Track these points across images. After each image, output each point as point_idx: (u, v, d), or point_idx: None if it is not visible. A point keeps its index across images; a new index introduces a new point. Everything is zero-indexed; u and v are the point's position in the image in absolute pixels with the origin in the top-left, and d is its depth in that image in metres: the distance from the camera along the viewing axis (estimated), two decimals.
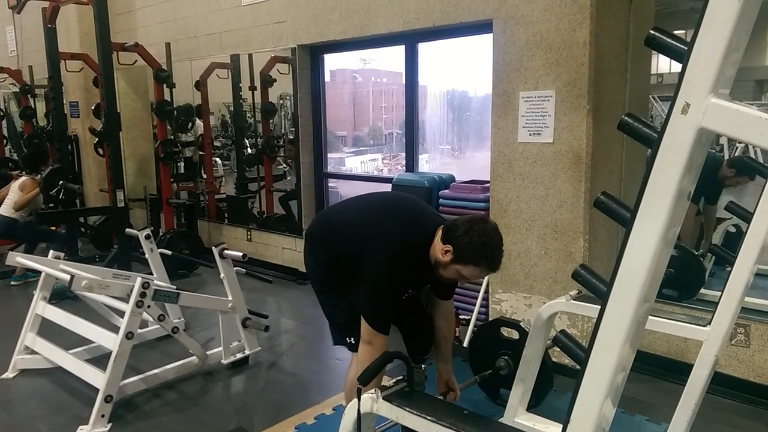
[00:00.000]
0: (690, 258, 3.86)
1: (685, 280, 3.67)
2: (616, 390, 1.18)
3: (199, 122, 6.85)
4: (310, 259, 2.49)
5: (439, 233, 2.15)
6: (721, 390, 3.05)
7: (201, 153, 6.97)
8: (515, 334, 2.75)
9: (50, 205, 6.35)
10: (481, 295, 3.77)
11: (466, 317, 3.86)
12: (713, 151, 4.81)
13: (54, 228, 6.59)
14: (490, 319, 3.75)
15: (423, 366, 2.60)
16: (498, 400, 2.88)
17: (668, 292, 3.61)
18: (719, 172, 4.13)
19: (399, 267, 2.16)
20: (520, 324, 2.69)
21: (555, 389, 3.21)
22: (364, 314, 2.19)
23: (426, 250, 2.19)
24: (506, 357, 2.70)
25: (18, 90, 7.92)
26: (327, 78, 5.52)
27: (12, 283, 5.48)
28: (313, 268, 2.49)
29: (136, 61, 6.05)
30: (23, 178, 5.65)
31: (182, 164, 6.72)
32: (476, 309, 3.79)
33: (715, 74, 0.97)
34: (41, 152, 6.21)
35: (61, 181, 5.73)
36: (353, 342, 2.30)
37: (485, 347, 2.77)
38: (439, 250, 2.12)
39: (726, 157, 5.25)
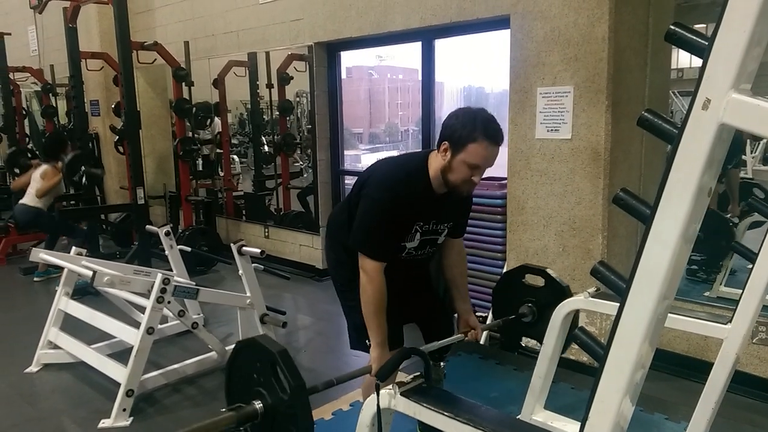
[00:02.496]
0: (718, 220, 3.76)
1: (712, 242, 3.60)
2: (635, 388, 1.17)
3: (216, 120, 6.90)
4: (331, 256, 2.46)
5: (434, 152, 2.11)
6: (742, 389, 3.01)
7: (219, 150, 7.03)
8: (540, 282, 2.63)
9: (72, 201, 6.47)
10: None
11: (483, 314, 3.85)
12: None
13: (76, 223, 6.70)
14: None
15: (442, 364, 2.59)
16: (519, 350, 2.76)
17: (694, 256, 3.54)
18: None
19: (392, 190, 2.08)
20: (547, 270, 2.59)
21: (573, 386, 3.20)
22: (354, 239, 2.14)
23: (423, 174, 2.11)
24: (530, 304, 2.56)
25: (40, 89, 8.06)
26: (343, 75, 5.53)
27: (35, 279, 5.58)
28: (334, 266, 2.46)
29: (155, 59, 6.12)
30: (44, 166, 5.68)
31: (200, 162, 6.79)
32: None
33: (736, 69, 0.96)
34: (60, 139, 6.22)
35: (83, 167, 5.74)
36: (370, 344, 2.26)
37: (509, 294, 2.62)
38: (440, 157, 2.06)
39: (749, 152, 5.17)
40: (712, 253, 3.62)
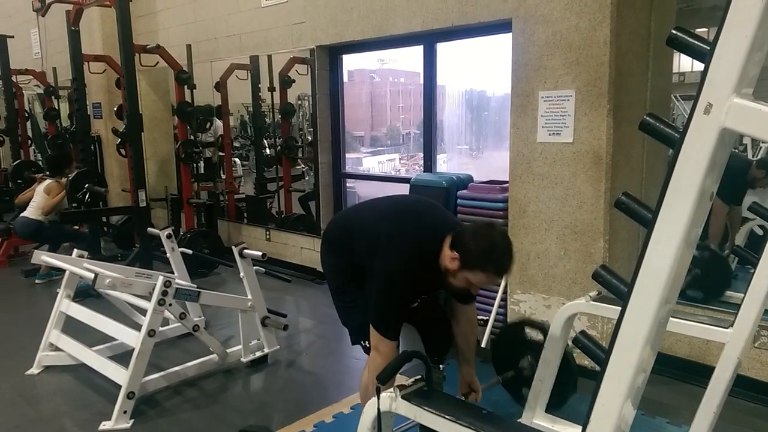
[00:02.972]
0: (716, 259, 3.81)
1: (710, 281, 3.63)
2: (637, 392, 1.17)
3: (218, 123, 6.91)
4: (327, 261, 2.51)
5: (449, 240, 2.12)
6: (744, 393, 3.00)
7: (220, 153, 7.05)
8: (539, 335, 2.73)
9: (74, 204, 6.47)
10: (499, 295, 3.75)
11: (485, 317, 3.85)
12: (737, 150, 4.74)
13: (78, 227, 6.71)
14: (508, 319, 3.73)
15: (441, 366, 2.60)
16: (521, 400, 2.85)
17: (693, 293, 3.57)
18: (749, 174, 4.08)
19: (408, 273, 2.14)
20: (545, 325, 2.66)
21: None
22: (371, 320, 2.19)
23: (437, 254, 2.15)
24: (529, 357, 2.66)
25: (42, 91, 8.08)
26: (345, 78, 5.54)
27: (36, 281, 5.58)
28: (329, 270, 2.51)
29: (157, 62, 6.13)
30: (48, 181, 5.70)
31: (201, 165, 6.80)
32: (494, 310, 3.77)
33: (738, 74, 0.96)
34: (65, 155, 6.28)
35: (87, 185, 5.78)
36: (368, 345, 2.30)
37: (508, 347, 2.74)
38: (447, 258, 2.09)
39: (750, 157, 5.17)
40: (709, 291, 3.65)
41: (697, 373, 3.12)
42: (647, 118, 1.11)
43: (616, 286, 1.20)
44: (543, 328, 2.63)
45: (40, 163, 7.62)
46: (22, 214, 5.64)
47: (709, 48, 0.99)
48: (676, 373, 3.25)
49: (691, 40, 1.04)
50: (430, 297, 2.56)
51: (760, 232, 4.12)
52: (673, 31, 1.06)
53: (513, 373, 2.63)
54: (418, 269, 2.14)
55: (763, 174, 4.06)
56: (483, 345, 3.76)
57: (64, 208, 5.86)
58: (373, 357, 2.17)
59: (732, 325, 1.92)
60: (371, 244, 2.23)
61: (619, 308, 1.16)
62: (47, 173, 5.90)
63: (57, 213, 5.73)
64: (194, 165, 6.31)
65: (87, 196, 5.76)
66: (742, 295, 1.89)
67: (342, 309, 2.46)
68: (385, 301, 2.17)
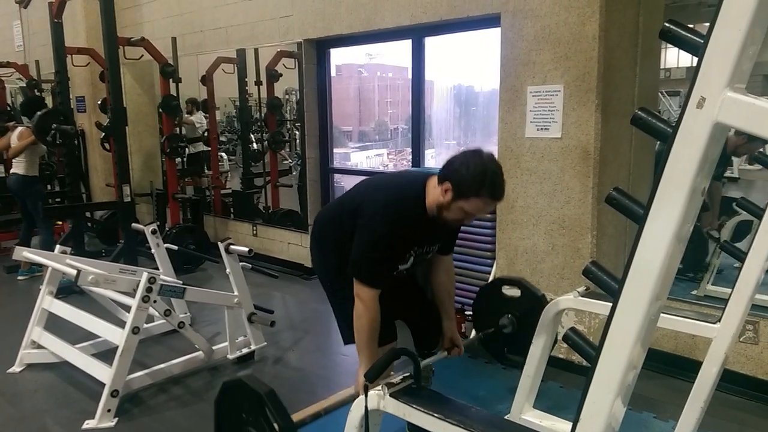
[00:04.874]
0: (694, 232, 3.85)
1: (688, 254, 3.66)
2: (627, 389, 1.16)
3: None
4: (318, 257, 2.47)
5: (433, 180, 2.12)
6: (730, 387, 3.02)
7: (205, 149, 6.99)
8: (517, 292, 2.64)
9: (57, 199, 6.37)
10: None
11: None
12: None
13: (60, 222, 6.62)
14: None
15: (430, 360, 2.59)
16: (504, 361, 2.77)
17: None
18: (727, 144, 4.08)
19: (393, 222, 2.10)
20: (521, 280, 2.61)
21: (561, 386, 3.20)
22: (353, 268, 2.15)
23: (420, 203, 2.13)
24: (509, 315, 2.58)
25: (25, 85, 7.95)
26: (333, 73, 5.50)
27: (19, 277, 5.51)
28: (322, 267, 2.47)
29: (142, 55, 6.05)
30: (20, 128, 5.61)
31: (184, 160, 6.71)
32: None
33: (731, 68, 0.95)
34: (37, 100, 6.12)
35: (54, 125, 5.46)
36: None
37: (489, 307, 2.65)
38: (439, 192, 2.06)
39: None
40: (687, 266, 3.69)
41: (684, 367, 3.14)
42: (639, 112, 1.09)
43: (606, 283, 1.19)
44: (520, 284, 2.58)
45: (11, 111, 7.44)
46: (12, 171, 5.60)
47: (702, 41, 0.98)
48: (663, 368, 3.27)
49: (684, 33, 1.03)
50: (421, 290, 2.55)
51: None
52: (666, 24, 1.04)
53: (493, 330, 2.56)
54: (403, 219, 2.11)
55: (743, 140, 4.03)
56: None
57: (43, 153, 5.83)
58: (356, 304, 2.13)
59: (719, 321, 1.93)
60: (353, 212, 2.20)
61: (608, 304, 1.15)
62: (22, 120, 5.78)
63: (40, 162, 5.69)
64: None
65: (57, 137, 5.52)
66: (729, 290, 1.91)
67: (337, 305, 2.41)
68: (370, 251, 2.12)
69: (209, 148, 6.90)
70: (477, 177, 1.98)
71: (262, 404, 1.61)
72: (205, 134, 6.94)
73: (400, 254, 2.20)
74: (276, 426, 1.56)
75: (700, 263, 4.00)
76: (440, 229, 2.24)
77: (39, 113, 5.49)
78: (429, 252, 2.34)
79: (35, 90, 7.70)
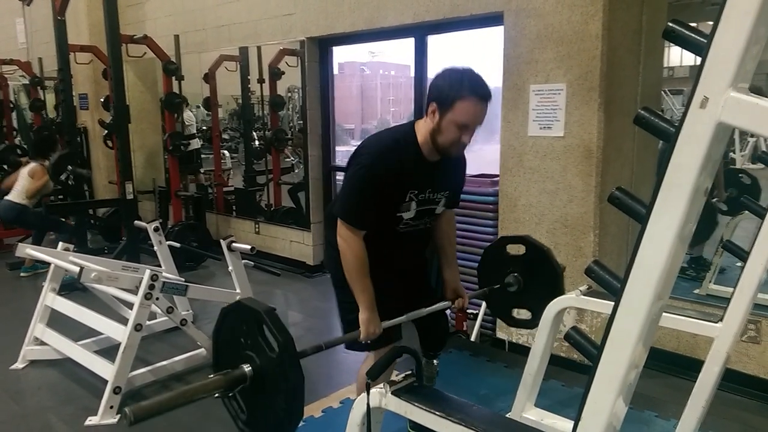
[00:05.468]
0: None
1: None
2: (629, 388, 1.16)
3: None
4: (330, 251, 2.34)
5: (422, 119, 2.10)
6: (732, 386, 3.02)
7: (198, 146, 7.00)
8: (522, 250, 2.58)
9: (59, 196, 6.38)
10: None
11: (474, 312, 3.85)
12: None
13: (63, 219, 6.63)
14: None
15: (435, 361, 2.58)
16: (510, 320, 2.68)
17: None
18: None
19: (379, 155, 2.05)
20: (526, 237, 2.55)
21: (563, 384, 3.21)
22: (337, 206, 2.12)
23: (411, 139, 2.08)
24: (515, 273, 2.50)
25: (28, 82, 7.96)
26: (335, 71, 5.50)
27: (21, 274, 5.52)
28: (333, 263, 2.31)
29: (145, 53, 6.05)
30: (32, 165, 5.62)
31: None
32: (484, 304, 3.77)
33: (735, 67, 0.95)
34: (49, 138, 6.15)
35: (69, 167, 5.66)
36: (368, 342, 2.19)
37: (493, 267, 2.57)
38: (428, 121, 2.03)
39: (738, 152, 5.21)
40: (695, 239, 3.64)
41: (686, 366, 3.14)
42: (642, 111, 1.09)
43: (608, 282, 1.19)
44: (524, 241, 2.53)
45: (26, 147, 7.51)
46: (6, 197, 5.56)
47: (705, 41, 0.97)
48: (665, 367, 3.27)
49: (687, 32, 1.02)
50: (428, 286, 2.49)
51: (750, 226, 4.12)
52: (670, 24, 1.04)
53: (499, 286, 2.51)
54: (392, 153, 2.06)
55: None
56: (472, 339, 3.77)
57: (50, 191, 5.79)
58: (339, 244, 2.10)
59: (721, 320, 1.93)
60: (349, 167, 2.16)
61: (610, 302, 1.15)
62: (32, 157, 5.81)
63: (41, 199, 5.66)
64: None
65: (70, 178, 5.63)
66: (732, 289, 1.91)
67: (341, 306, 2.34)
68: (354, 186, 2.07)
69: (199, 146, 6.90)
70: (455, 80, 1.96)
71: (260, 324, 1.56)
72: (199, 132, 6.96)
73: (396, 195, 2.10)
74: (274, 343, 1.51)
75: (708, 234, 3.96)
76: (442, 175, 2.17)
77: (57, 155, 5.60)
78: (433, 201, 2.21)
79: (38, 87, 7.72)
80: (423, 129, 2.08)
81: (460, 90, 1.94)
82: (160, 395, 1.49)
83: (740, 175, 4.18)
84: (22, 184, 5.52)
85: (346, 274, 2.13)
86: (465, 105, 1.95)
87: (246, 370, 1.57)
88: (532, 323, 2.55)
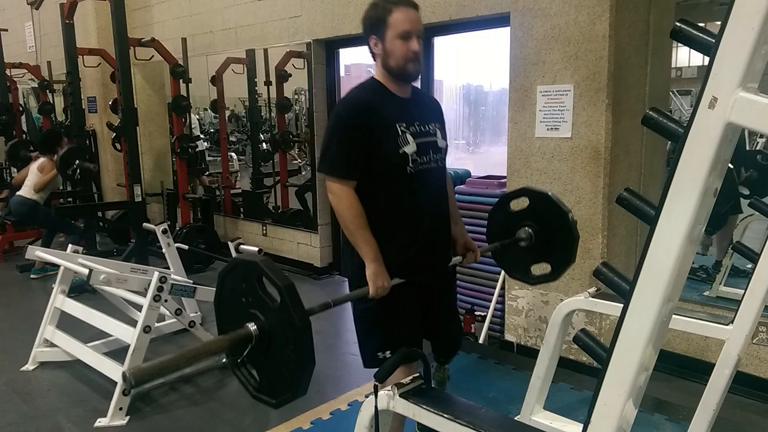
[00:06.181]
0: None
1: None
2: (638, 391, 1.15)
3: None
4: (347, 253, 2.21)
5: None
6: (743, 390, 2.99)
7: (209, 147, 7.03)
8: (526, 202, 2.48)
9: (69, 198, 6.42)
10: (497, 291, 3.75)
11: (482, 314, 3.84)
12: None
13: (73, 221, 6.68)
14: (506, 316, 3.72)
15: (446, 366, 2.56)
16: (531, 279, 2.52)
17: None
18: None
19: (351, 101, 2.07)
20: (525, 188, 2.47)
21: (572, 386, 3.19)
22: (320, 162, 2.07)
23: (376, 82, 2.09)
24: (525, 227, 2.40)
25: (37, 85, 8.02)
26: (342, 73, 5.50)
27: (32, 276, 5.56)
28: (351, 268, 2.17)
29: (152, 56, 6.08)
30: (41, 160, 5.67)
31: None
32: (492, 306, 3.77)
33: (743, 67, 0.94)
34: (55, 133, 6.19)
35: (77, 161, 5.64)
36: (385, 356, 2.07)
37: (502, 227, 2.46)
38: (377, 58, 2.07)
39: (748, 149, 5.17)
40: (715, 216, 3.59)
41: (695, 369, 3.11)
42: (650, 112, 1.08)
43: (617, 284, 1.19)
44: (525, 191, 2.46)
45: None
46: (17, 193, 5.62)
47: (714, 41, 0.97)
48: (675, 370, 3.24)
49: (695, 32, 1.02)
50: (448, 300, 2.41)
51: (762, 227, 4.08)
52: (678, 24, 1.03)
53: (508, 241, 2.43)
54: (362, 93, 2.08)
55: None
56: (481, 341, 3.76)
57: (59, 186, 5.82)
58: (330, 199, 2.04)
59: (732, 322, 1.92)
60: None
61: (619, 305, 1.14)
62: (40, 152, 5.84)
63: (51, 192, 5.70)
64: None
65: (77, 172, 5.63)
66: (742, 291, 1.89)
67: (356, 319, 2.19)
68: (331, 135, 2.03)
69: (204, 148, 6.92)
70: (376, 5, 2.03)
71: (259, 276, 1.51)
72: (206, 135, 6.99)
73: (382, 130, 2.02)
74: (276, 290, 1.47)
75: (735, 208, 3.89)
76: (418, 110, 2.14)
77: (65, 150, 5.62)
78: (428, 133, 2.13)
79: (47, 91, 7.78)
80: (378, 70, 2.10)
81: (385, 7, 2.01)
82: (161, 357, 1.43)
83: (758, 156, 4.11)
84: (32, 179, 5.58)
85: (344, 231, 2.05)
86: (396, 16, 2.00)
87: (251, 328, 1.52)
88: (553, 275, 2.43)
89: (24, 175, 5.80)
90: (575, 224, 2.36)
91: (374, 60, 2.10)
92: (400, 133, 2.03)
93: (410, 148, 2.04)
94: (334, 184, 2.01)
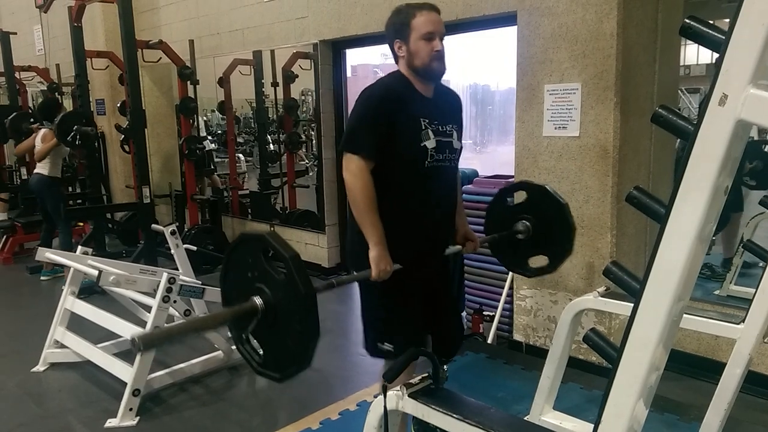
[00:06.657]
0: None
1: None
2: (649, 391, 1.15)
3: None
4: (355, 248, 2.21)
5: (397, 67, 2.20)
6: (755, 389, 2.96)
7: (217, 149, 7.05)
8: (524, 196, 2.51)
9: (78, 201, 6.45)
10: (505, 291, 3.74)
11: (491, 314, 3.83)
12: None
13: (81, 224, 6.72)
14: (515, 316, 3.71)
15: (445, 366, 2.55)
16: (528, 272, 2.57)
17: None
18: None
19: (381, 90, 2.12)
20: (522, 181, 2.50)
21: (582, 386, 3.17)
22: (343, 143, 2.11)
23: (403, 77, 2.16)
24: (522, 220, 2.42)
25: (46, 88, 8.08)
26: (348, 73, 5.51)
27: (42, 278, 5.59)
28: (356, 262, 2.20)
29: (160, 58, 6.11)
30: (44, 130, 5.71)
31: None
32: (500, 305, 3.76)
33: (754, 64, 0.93)
34: (54, 100, 6.21)
35: (75, 126, 5.53)
36: (388, 349, 2.13)
37: (499, 222, 2.49)
38: (402, 60, 2.15)
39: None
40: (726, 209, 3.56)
41: (706, 368, 3.09)
42: (660, 110, 1.08)
43: (627, 283, 1.18)
44: (522, 185, 2.48)
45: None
46: (35, 171, 5.72)
47: (724, 37, 0.96)
48: (685, 369, 3.22)
49: (705, 29, 1.01)
50: (453, 303, 2.45)
51: None
52: (687, 20, 1.03)
53: (507, 233, 2.44)
54: (389, 83, 2.15)
55: None
56: (489, 341, 3.75)
57: (64, 155, 5.94)
58: (345, 177, 2.07)
59: (743, 321, 1.90)
60: None
61: (629, 304, 1.14)
62: (41, 123, 5.87)
63: (62, 163, 5.81)
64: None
65: (77, 138, 5.59)
66: (753, 290, 1.88)
67: (365, 305, 2.28)
68: (357, 115, 2.11)
69: (211, 148, 6.93)
70: (398, 11, 2.14)
71: (265, 249, 1.51)
72: (213, 136, 7.01)
73: (408, 120, 2.08)
74: (282, 259, 1.46)
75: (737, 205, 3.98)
76: (439, 109, 2.19)
77: (61, 115, 5.59)
78: (446, 134, 2.18)
79: (55, 93, 7.83)
80: (403, 68, 2.17)
81: (408, 12, 2.12)
82: (170, 324, 1.47)
83: (764, 146, 4.06)
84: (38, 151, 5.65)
85: (353, 209, 2.07)
86: (419, 19, 2.10)
87: (257, 301, 1.53)
88: (550, 268, 2.47)
89: (25, 146, 5.87)
90: (571, 216, 2.39)
91: (397, 63, 2.19)
92: (423, 127, 2.11)
93: (431, 144, 2.11)
94: (352, 162, 2.05)
